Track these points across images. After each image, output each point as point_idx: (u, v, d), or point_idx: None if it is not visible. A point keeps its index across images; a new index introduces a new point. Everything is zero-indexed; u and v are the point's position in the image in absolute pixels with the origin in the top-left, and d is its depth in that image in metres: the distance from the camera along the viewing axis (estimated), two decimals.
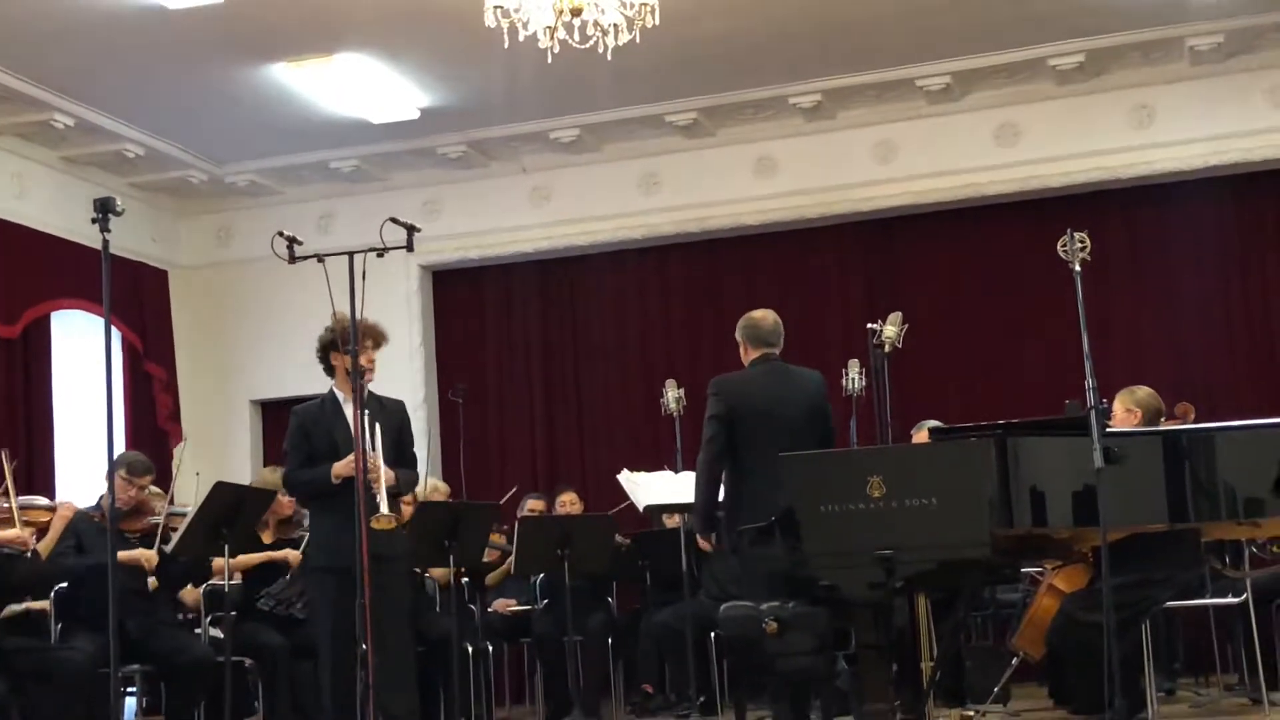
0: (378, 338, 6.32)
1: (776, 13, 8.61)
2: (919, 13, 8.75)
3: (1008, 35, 9.23)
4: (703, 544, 7.06)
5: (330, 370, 6.40)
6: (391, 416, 6.36)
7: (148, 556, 6.95)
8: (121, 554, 6.62)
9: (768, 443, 6.24)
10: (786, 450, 5.74)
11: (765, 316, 6.82)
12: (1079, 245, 5.45)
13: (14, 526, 6.46)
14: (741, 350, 6.83)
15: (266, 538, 7.88)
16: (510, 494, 9.63)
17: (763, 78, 9.76)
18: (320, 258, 5.67)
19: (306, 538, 7.03)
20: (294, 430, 6.37)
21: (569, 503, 9.45)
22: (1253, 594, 7.10)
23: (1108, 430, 5.39)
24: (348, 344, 5.89)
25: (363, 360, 5.99)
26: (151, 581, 7.15)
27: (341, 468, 6.06)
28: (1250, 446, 5.53)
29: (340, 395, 6.32)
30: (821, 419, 6.62)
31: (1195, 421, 7.68)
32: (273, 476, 8.04)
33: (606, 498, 9.44)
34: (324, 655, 6.28)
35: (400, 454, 6.39)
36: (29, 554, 6.56)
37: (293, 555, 7.69)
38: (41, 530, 6.82)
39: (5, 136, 9.63)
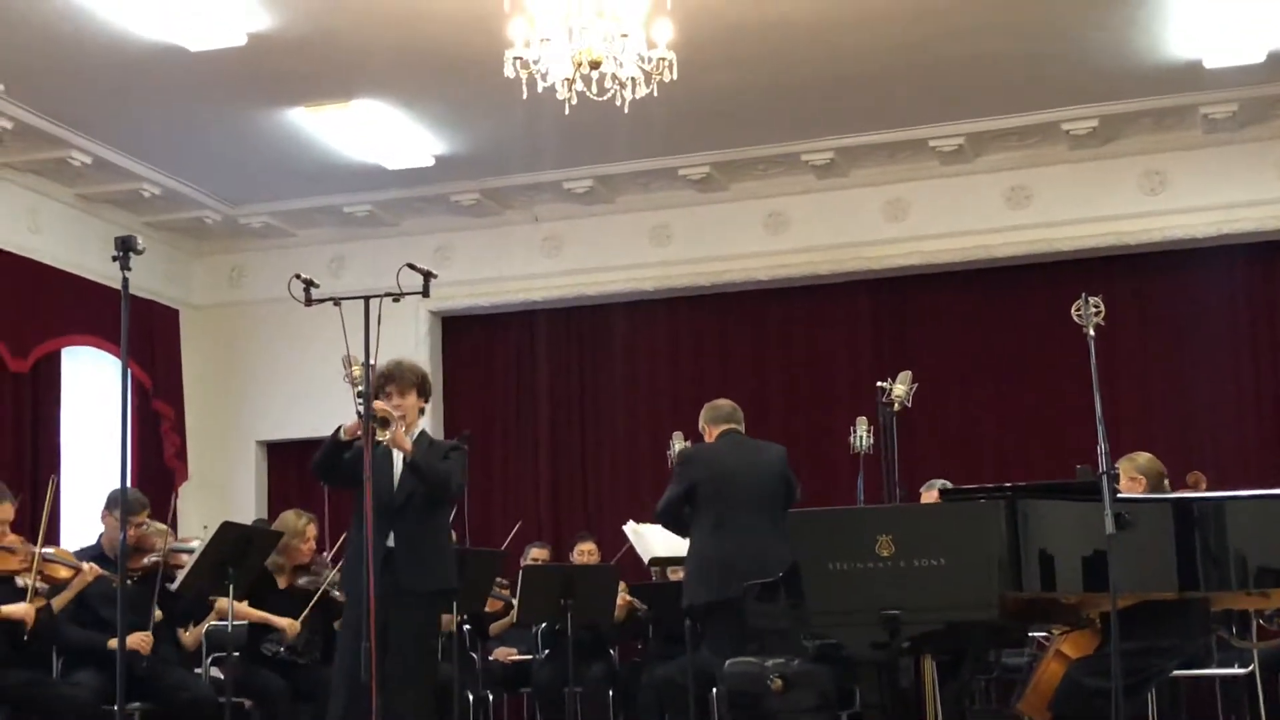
0: (416, 386, 6.30)
1: (791, 70, 8.66)
2: (933, 73, 8.80)
3: (1022, 98, 9.28)
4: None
5: None
6: (437, 447, 6.36)
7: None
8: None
9: (732, 505, 6.93)
10: (755, 511, 6.62)
11: (724, 401, 7.45)
12: (1094, 309, 5.45)
13: (28, 576, 6.45)
14: (706, 435, 7.36)
15: (283, 582, 7.84)
16: (514, 531, 9.58)
17: (776, 134, 9.80)
18: (336, 301, 5.69)
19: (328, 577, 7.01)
20: None
21: (587, 552, 9.40)
22: (1260, 665, 7.06)
23: (1119, 496, 5.37)
24: (382, 387, 6.11)
25: (393, 404, 6.06)
26: (156, 614, 7.12)
27: (350, 425, 6.00)
28: (1262, 516, 5.51)
29: None
30: (787, 485, 7.11)
31: (1206, 490, 7.65)
32: (296, 521, 7.98)
33: (610, 546, 9.42)
34: (335, 687, 6.20)
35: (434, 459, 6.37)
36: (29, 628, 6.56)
37: (291, 627, 7.58)
38: (53, 583, 6.81)
39: (22, 172, 9.68)
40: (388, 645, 5.92)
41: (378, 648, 5.62)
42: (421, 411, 6.37)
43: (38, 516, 8.36)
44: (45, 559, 6.73)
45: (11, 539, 6.69)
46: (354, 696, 5.82)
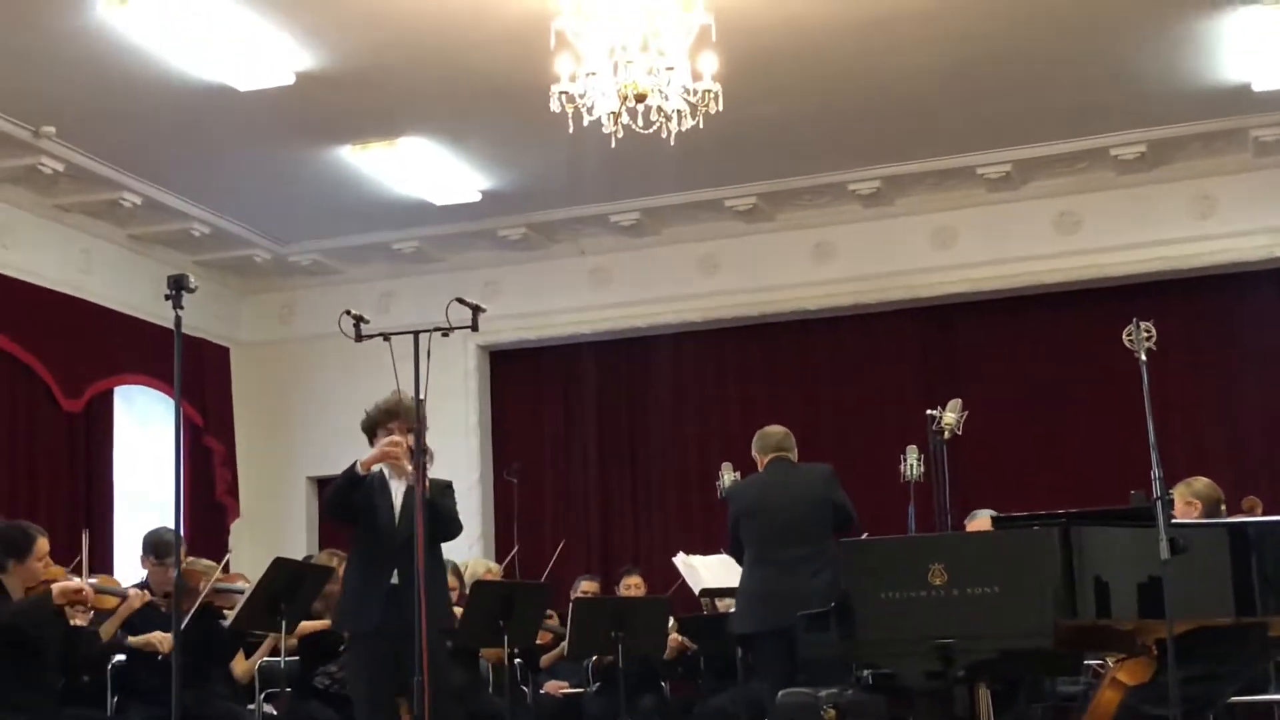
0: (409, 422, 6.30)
1: (836, 99, 8.67)
2: (979, 100, 8.79)
3: (1069, 124, 9.25)
4: None
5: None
6: (438, 485, 6.38)
7: (160, 639, 6.86)
8: (134, 639, 6.70)
9: (763, 536, 6.97)
10: (787, 540, 6.69)
11: (774, 428, 7.44)
12: (1145, 335, 5.41)
13: (82, 608, 6.47)
14: (758, 464, 7.38)
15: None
16: (559, 550, 9.56)
17: (822, 164, 9.81)
18: (386, 336, 5.71)
19: None
20: None
21: (634, 586, 9.38)
22: None
23: (1173, 521, 5.32)
24: (381, 425, 6.13)
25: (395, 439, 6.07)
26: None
27: (368, 457, 6.06)
28: None
29: (386, 471, 6.30)
30: (828, 504, 7.03)
31: (1262, 515, 7.58)
32: (330, 560, 8.01)
33: (659, 578, 9.40)
34: None
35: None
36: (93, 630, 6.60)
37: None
38: (101, 612, 6.84)
39: (74, 214, 9.80)
40: (403, 682, 5.90)
41: (394, 683, 5.63)
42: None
43: (93, 554, 8.44)
44: (97, 590, 6.77)
45: (54, 570, 6.72)
46: None
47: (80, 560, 6.89)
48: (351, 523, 6.33)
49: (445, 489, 6.30)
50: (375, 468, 6.21)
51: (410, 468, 5.94)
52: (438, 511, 6.11)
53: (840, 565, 5.60)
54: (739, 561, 7.31)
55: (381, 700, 6.03)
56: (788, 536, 6.92)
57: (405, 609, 5.81)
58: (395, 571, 6.04)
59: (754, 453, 7.41)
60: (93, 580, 6.85)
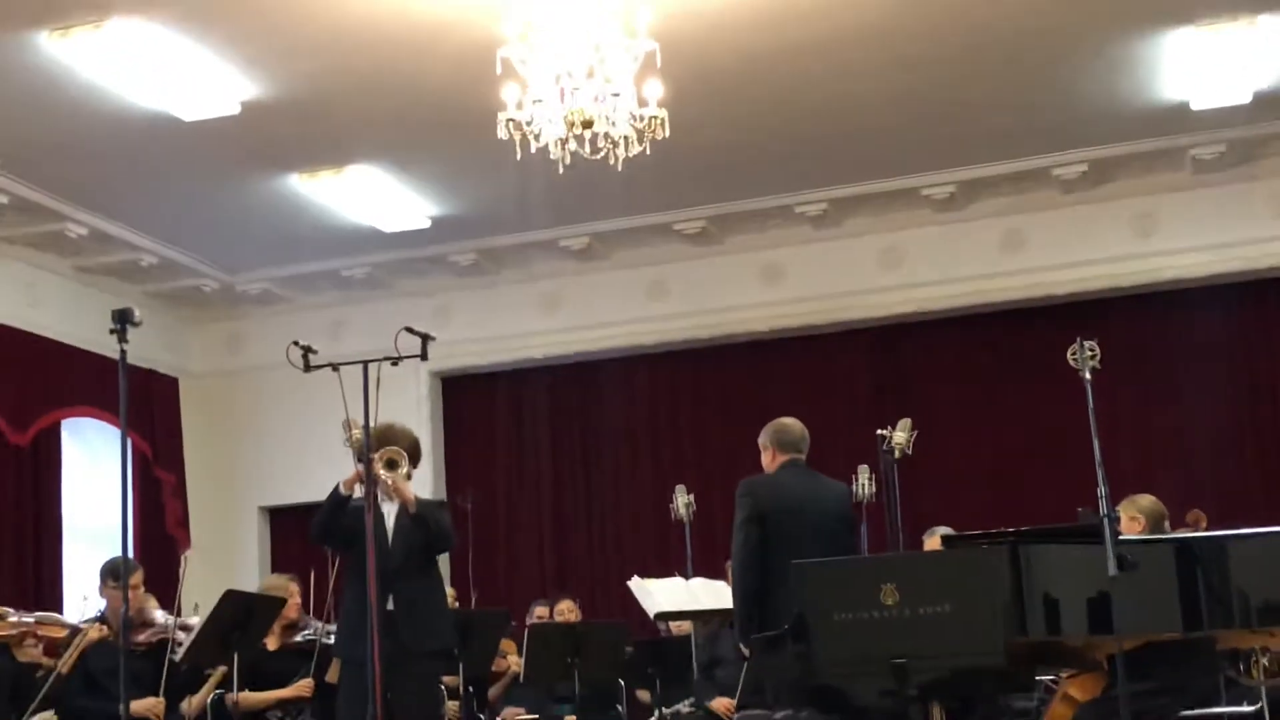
0: (408, 450, 6.31)
1: (782, 124, 8.73)
2: (924, 123, 8.87)
3: (1012, 145, 9.35)
4: (746, 652, 6.87)
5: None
6: (430, 504, 6.42)
7: (155, 711, 6.82)
8: (135, 704, 6.59)
9: (799, 543, 6.23)
10: (820, 552, 5.83)
11: (794, 423, 6.78)
12: (1089, 354, 5.47)
13: (30, 641, 6.44)
14: (767, 455, 6.76)
15: (271, 643, 7.81)
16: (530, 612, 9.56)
17: (769, 187, 9.87)
18: (335, 366, 5.71)
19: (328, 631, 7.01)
20: None
21: (567, 610, 9.36)
22: (1268, 702, 7.03)
23: (1121, 538, 5.37)
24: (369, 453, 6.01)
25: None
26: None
27: (349, 478, 6.06)
28: (1263, 554, 5.51)
29: (379, 495, 6.32)
30: (848, 527, 6.65)
31: (1207, 529, 7.65)
32: (278, 581, 7.98)
33: (615, 602, 9.40)
34: None
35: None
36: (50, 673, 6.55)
37: (305, 687, 7.53)
38: (52, 644, 6.80)
39: (18, 246, 9.73)
40: (392, 710, 5.90)
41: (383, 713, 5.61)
42: (409, 477, 6.35)
43: (42, 591, 8.39)
44: (40, 621, 6.73)
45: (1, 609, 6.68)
46: None
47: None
48: (343, 549, 6.34)
49: (438, 506, 6.40)
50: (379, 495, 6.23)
51: (391, 483, 5.96)
52: (428, 525, 6.15)
53: (793, 586, 5.60)
54: (751, 575, 6.35)
55: None
56: (820, 541, 6.29)
57: (401, 634, 5.81)
58: (390, 597, 6.05)
59: (766, 443, 6.76)
60: (39, 614, 6.81)
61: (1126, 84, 8.51)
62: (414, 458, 6.35)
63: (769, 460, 6.77)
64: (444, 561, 10.73)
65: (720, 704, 8.02)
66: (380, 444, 6.18)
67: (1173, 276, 9.87)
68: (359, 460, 6.03)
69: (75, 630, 6.88)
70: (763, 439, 6.81)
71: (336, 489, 6.11)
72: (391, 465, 5.98)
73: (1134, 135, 9.28)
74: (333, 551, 6.96)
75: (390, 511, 6.21)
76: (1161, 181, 9.82)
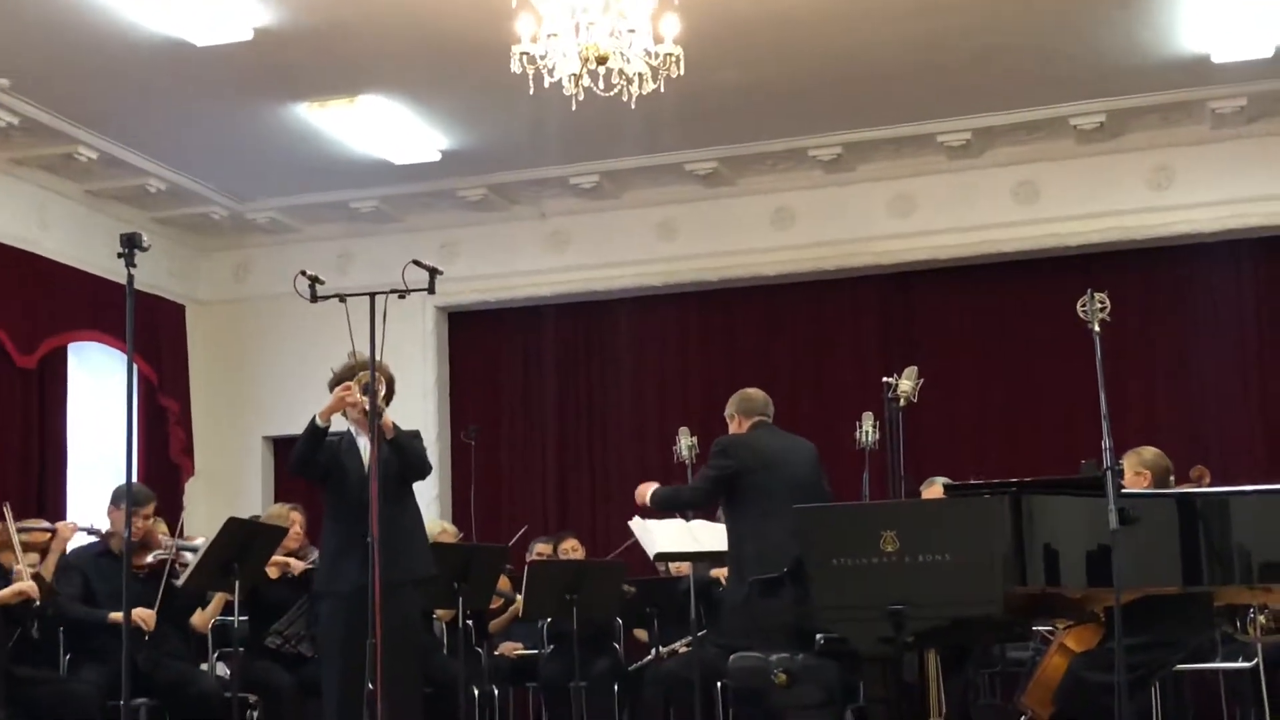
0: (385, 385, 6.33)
1: (798, 65, 8.66)
2: (941, 69, 8.79)
3: (1029, 93, 9.27)
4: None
5: None
6: (407, 433, 6.43)
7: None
8: (114, 615, 6.61)
9: (779, 496, 6.58)
10: (796, 501, 5.98)
11: (756, 392, 7.27)
12: (1099, 306, 5.45)
13: (15, 559, 6.48)
14: (734, 424, 7.19)
15: (273, 572, 7.83)
16: (519, 534, 9.61)
17: (783, 129, 9.80)
18: (342, 297, 5.70)
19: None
20: None
21: (571, 549, 9.40)
22: (1264, 659, 7.06)
23: (1123, 491, 5.37)
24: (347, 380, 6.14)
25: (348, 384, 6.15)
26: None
27: (325, 407, 6.15)
28: (1265, 511, 5.51)
29: (353, 429, 6.37)
30: (823, 479, 7.04)
31: (1210, 485, 7.65)
32: (284, 510, 8.03)
33: (617, 542, 9.43)
34: (328, 690, 6.26)
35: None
36: (38, 602, 6.59)
37: (296, 564, 7.62)
38: (43, 550, 6.85)
39: (29, 168, 9.69)
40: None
41: (363, 641, 5.65)
42: (387, 404, 6.42)
43: (46, 514, 8.42)
44: (20, 529, 6.77)
45: None
46: (350, 694, 5.89)
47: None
48: (320, 481, 6.36)
49: (414, 436, 6.39)
50: (343, 426, 6.24)
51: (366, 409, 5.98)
52: (405, 453, 6.16)
53: (796, 530, 5.62)
54: (701, 504, 7.40)
55: (352, 661, 6.02)
56: (796, 497, 6.52)
57: (381, 565, 5.84)
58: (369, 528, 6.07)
59: (732, 412, 7.24)
60: (19, 523, 6.85)
61: (1148, 34, 8.43)
62: (390, 392, 6.38)
63: (736, 427, 7.17)
64: (445, 498, 10.84)
65: None
66: (357, 371, 6.19)
67: (1187, 230, 9.81)
68: (363, 393, 6.04)
69: (52, 533, 6.94)
70: (729, 410, 7.25)
71: (314, 420, 6.14)
72: (369, 391, 5.99)
73: (1153, 87, 9.19)
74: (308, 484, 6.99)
75: (365, 446, 6.21)
76: (1179, 134, 9.74)
